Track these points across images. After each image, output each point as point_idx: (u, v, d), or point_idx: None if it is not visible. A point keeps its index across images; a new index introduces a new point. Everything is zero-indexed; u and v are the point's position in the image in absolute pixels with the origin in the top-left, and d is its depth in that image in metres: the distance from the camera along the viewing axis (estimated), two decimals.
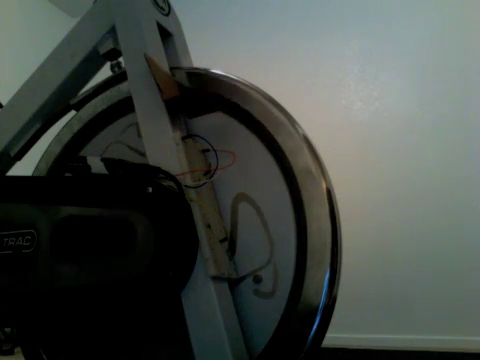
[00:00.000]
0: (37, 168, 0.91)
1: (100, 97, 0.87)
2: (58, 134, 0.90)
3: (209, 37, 2.41)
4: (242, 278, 0.70)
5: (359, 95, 2.14)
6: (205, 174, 0.73)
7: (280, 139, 0.70)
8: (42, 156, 0.91)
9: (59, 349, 0.83)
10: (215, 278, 0.65)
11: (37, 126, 0.92)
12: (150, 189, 0.66)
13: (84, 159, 0.68)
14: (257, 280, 0.69)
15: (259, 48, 2.33)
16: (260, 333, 0.67)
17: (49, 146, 0.91)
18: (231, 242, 0.72)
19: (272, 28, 2.35)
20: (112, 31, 0.83)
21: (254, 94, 0.73)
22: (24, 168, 0.96)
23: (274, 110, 0.72)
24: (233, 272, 0.70)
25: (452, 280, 1.83)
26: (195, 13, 2.45)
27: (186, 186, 0.68)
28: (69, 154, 0.89)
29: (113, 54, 0.85)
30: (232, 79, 0.76)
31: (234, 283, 0.70)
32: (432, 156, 1.95)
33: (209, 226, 0.68)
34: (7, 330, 1.63)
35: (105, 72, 0.89)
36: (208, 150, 0.74)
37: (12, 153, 0.93)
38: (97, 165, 0.68)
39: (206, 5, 2.53)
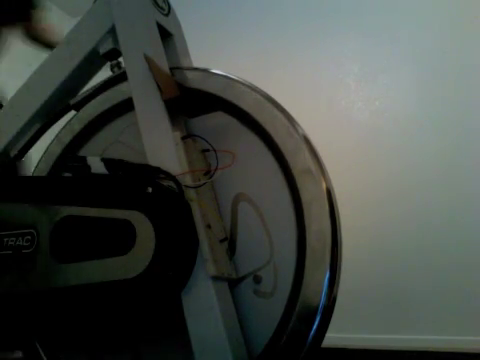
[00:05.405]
0: (37, 168, 0.91)
1: (100, 97, 0.87)
2: (58, 134, 0.90)
3: (209, 38, 2.41)
4: (242, 278, 0.70)
5: (359, 95, 2.14)
6: (205, 174, 0.73)
7: (280, 139, 0.70)
8: (42, 156, 0.91)
9: (59, 349, 0.83)
10: (215, 278, 0.65)
11: (37, 126, 0.92)
12: (150, 189, 0.66)
13: (84, 159, 0.68)
14: (257, 280, 0.69)
15: (259, 48, 2.33)
16: (260, 333, 0.67)
17: (49, 146, 0.91)
18: (231, 242, 0.72)
19: (272, 29, 2.35)
20: (112, 31, 0.83)
21: (254, 94, 0.73)
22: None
23: (274, 110, 0.71)
24: (233, 272, 0.70)
25: (452, 280, 1.82)
26: (196, 15, 2.44)
27: (186, 186, 0.68)
28: (69, 154, 0.89)
29: (113, 54, 0.85)
30: (232, 79, 0.76)
31: (234, 283, 0.70)
32: (432, 156, 1.95)
33: (209, 226, 0.68)
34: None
35: (105, 72, 0.89)
36: (208, 150, 0.74)
37: (12, 153, 0.93)
38: (97, 165, 0.68)
39: (208, 7, 2.52)
